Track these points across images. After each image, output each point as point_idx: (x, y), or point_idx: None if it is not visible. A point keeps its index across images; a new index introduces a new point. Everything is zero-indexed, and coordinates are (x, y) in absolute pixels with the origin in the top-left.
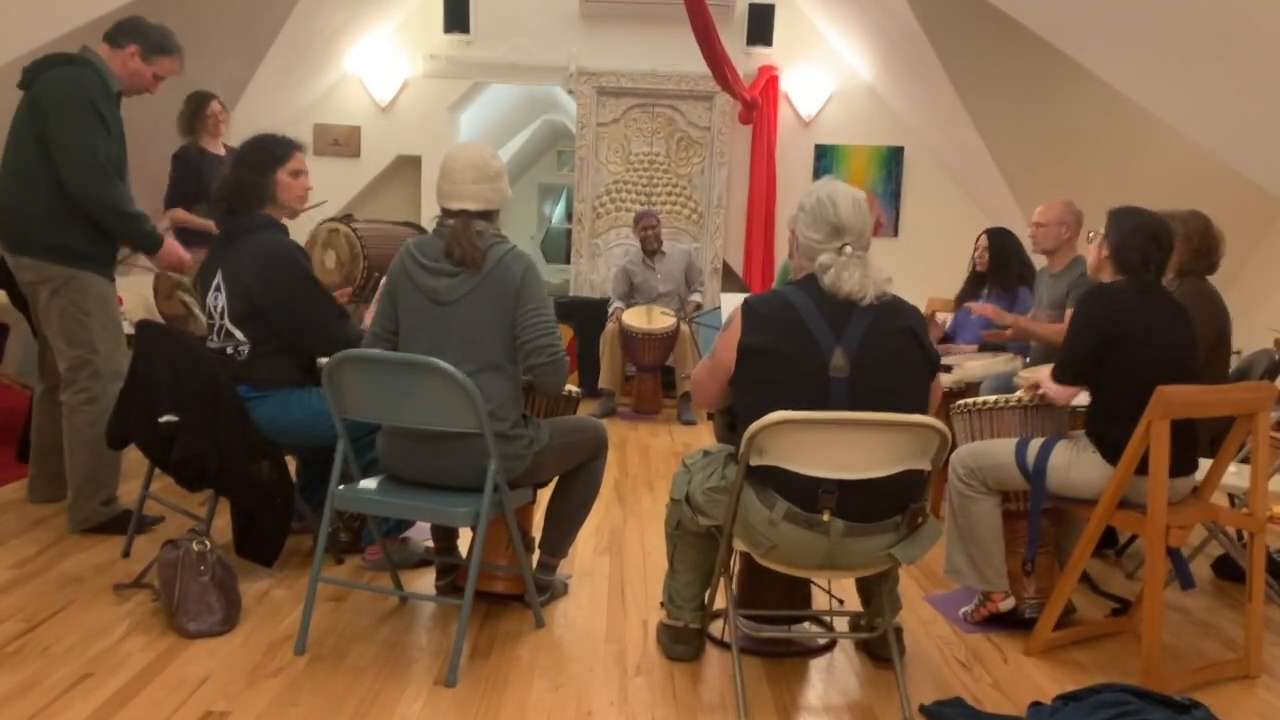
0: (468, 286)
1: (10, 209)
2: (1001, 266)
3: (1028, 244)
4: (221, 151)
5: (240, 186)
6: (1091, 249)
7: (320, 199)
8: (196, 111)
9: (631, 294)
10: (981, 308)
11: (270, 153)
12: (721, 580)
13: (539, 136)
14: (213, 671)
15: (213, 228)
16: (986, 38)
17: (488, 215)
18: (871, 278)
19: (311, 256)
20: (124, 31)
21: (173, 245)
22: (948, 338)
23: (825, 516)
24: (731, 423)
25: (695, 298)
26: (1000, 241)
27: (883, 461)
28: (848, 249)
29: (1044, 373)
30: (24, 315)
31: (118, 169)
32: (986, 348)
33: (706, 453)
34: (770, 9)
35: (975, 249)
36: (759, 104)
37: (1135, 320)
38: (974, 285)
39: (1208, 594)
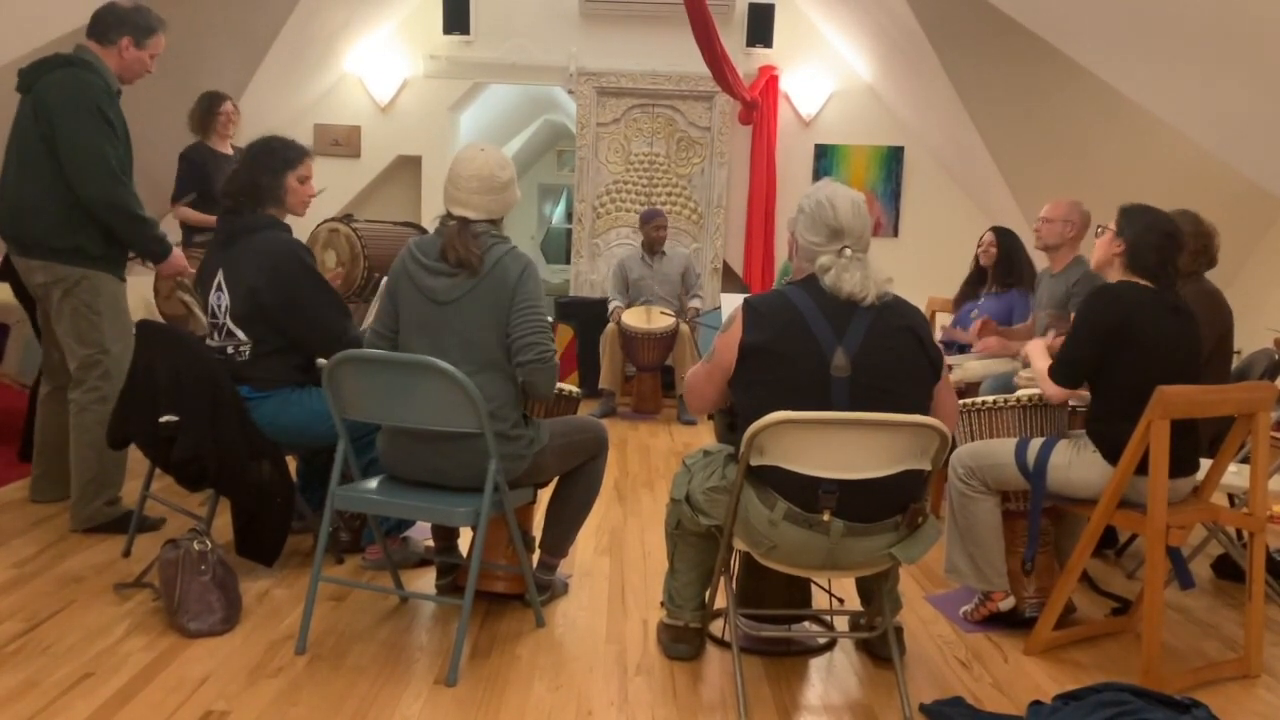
0: (466, 287)
1: (22, 212)
2: (1005, 264)
3: (1030, 241)
4: (229, 151)
5: (250, 186)
6: (1100, 243)
7: (319, 187)
8: (209, 110)
9: (626, 290)
10: (988, 342)
11: (282, 156)
12: (721, 580)
13: (539, 136)
14: (213, 671)
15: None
16: (986, 38)
17: (489, 220)
18: (872, 278)
19: None
20: (110, 25)
21: (179, 255)
22: (946, 344)
23: (825, 516)
24: (731, 423)
25: (695, 303)
26: (1007, 240)
27: (883, 461)
28: (847, 251)
29: (1043, 367)
30: (29, 315)
31: (125, 171)
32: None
33: (706, 452)
34: (770, 9)
35: (980, 245)
36: (759, 104)
37: (1140, 320)
38: (974, 285)
39: (1208, 594)
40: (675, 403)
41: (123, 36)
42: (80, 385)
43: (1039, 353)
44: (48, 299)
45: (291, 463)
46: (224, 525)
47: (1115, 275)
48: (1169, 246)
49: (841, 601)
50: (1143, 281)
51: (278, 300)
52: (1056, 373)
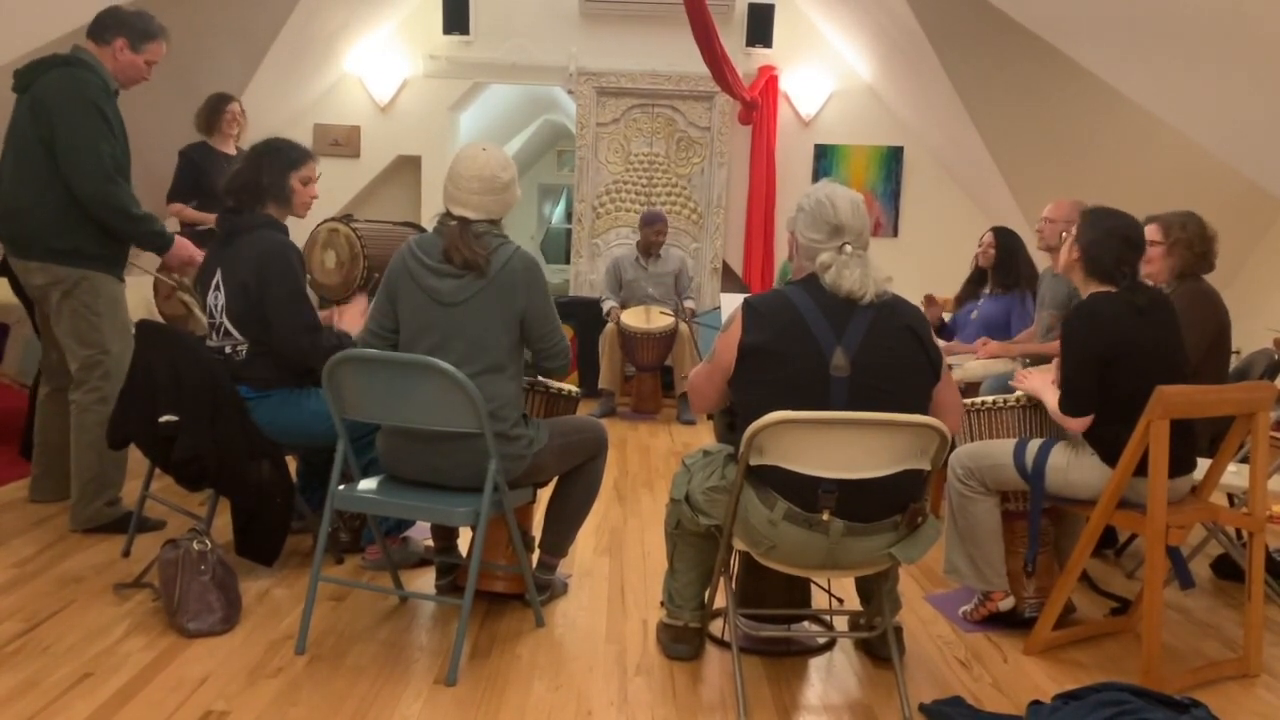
0: (474, 289)
1: (18, 213)
2: (1004, 265)
3: (1032, 242)
4: (232, 152)
5: (253, 185)
6: (1064, 248)
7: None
8: (215, 110)
9: (619, 290)
10: (994, 348)
11: (286, 155)
12: (721, 580)
13: (539, 136)
14: (213, 671)
15: (212, 222)
16: (986, 38)
17: (489, 220)
18: (871, 276)
19: (311, 256)
20: (107, 26)
21: (184, 243)
22: (948, 333)
23: (825, 516)
24: (731, 422)
25: (688, 304)
26: (1006, 241)
27: (882, 461)
28: (847, 248)
29: (1038, 378)
30: (28, 315)
31: (122, 169)
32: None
33: (706, 452)
34: (770, 9)
35: (979, 245)
36: (759, 104)
37: (1124, 334)
38: (975, 284)
39: (1207, 594)
40: (675, 403)
41: (118, 38)
42: (81, 386)
43: (1047, 391)
44: (46, 300)
45: (291, 463)
46: (224, 525)
47: (1078, 279)
48: (1124, 249)
49: (841, 601)
50: (1105, 287)
51: (259, 297)
52: (1066, 406)
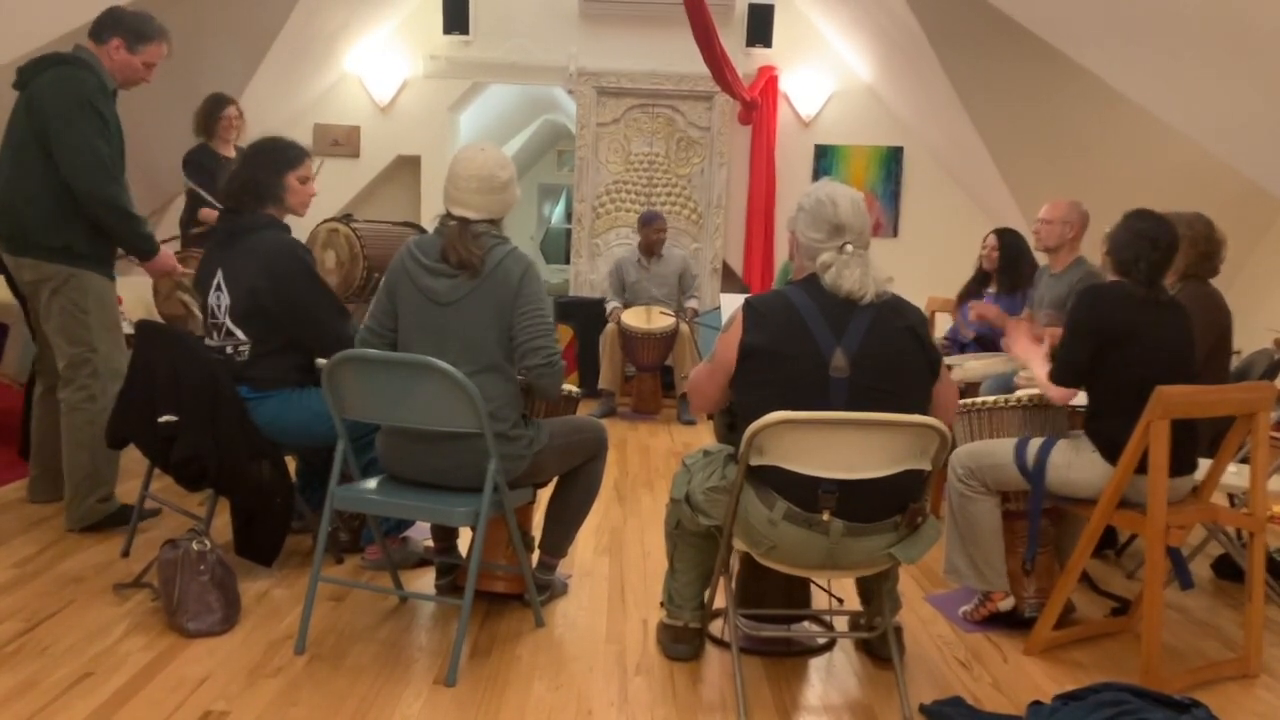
0: (467, 288)
1: (11, 209)
2: (1010, 267)
3: (1031, 242)
4: (231, 154)
5: (250, 184)
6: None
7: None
8: (212, 113)
9: (623, 292)
10: (983, 308)
11: (283, 154)
12: (721, 580)
13: (539, 136)
14: (212, 671)
15: None
16: (986, 38)
17: (489, 220)
18: (872, 276)
19: None
20: (105, 26)
21: (168, 254)
22: (949, 341)
23: (825, 516)
24: (731, 423)
25: (692, 303)
26: (1010, 242)
27: (882, 461)
28: (848, 247)
29: (1027, 343)
30: (24, 313)
31: (116, 169)
32: (983, 345)
33: (706, 452)
34: (770, 9)
35: (983, 247)
36: (759, 104)
37: (1129, 319)
38: (978, 284)
39: (1207, 594)
40: (675, 403)
41: (114, 38)
42: (70, 384)
43: (1037, 360)
44: (36, 297)
45: (291, 463)
46: (223, 525)
47: (1109, 274)
48: (1142, 247)
49: (841, 601)
50: (1127, 281)
51: (277, 300)
52: (1056, 375)
